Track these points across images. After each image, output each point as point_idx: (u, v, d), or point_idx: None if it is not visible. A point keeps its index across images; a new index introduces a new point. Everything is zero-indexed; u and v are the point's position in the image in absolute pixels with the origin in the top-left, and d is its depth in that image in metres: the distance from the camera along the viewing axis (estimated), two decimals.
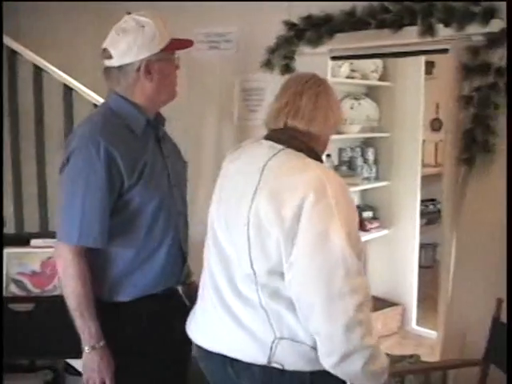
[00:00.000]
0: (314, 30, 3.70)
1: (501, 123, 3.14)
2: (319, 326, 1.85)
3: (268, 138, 2.06)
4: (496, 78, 3.12)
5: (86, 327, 2.17)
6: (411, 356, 3.31)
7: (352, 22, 3.58)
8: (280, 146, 1.99)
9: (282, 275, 1.89)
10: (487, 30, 3.12)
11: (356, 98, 5.15)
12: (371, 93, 5.34)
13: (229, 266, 2.03)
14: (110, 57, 2.19)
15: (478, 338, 3.06)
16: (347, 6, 3.57)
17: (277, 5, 3.85)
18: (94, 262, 2.21)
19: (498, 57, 3.11)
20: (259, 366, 1.95)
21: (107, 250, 2.22)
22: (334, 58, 3.95)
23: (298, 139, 2.01)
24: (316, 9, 3.68)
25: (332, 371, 1.88)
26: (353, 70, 4.93)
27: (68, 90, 3.44)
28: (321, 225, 1.82)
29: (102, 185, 2.12)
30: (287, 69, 3.84)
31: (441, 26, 3.24)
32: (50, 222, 3.68)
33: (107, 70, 2.24)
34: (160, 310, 2.34)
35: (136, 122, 2.25)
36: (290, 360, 1.93)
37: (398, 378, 3.00)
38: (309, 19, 3.72)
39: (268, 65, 3.87)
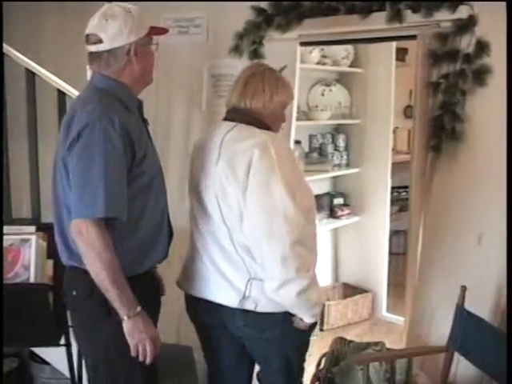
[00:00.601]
0: (283, 15, 3.67)
1: (468, 110, 3.14)
2: (263, 257, 2.29)
3: (224, 119, 2.50)
4: (463, 64, 3.13)
5: (124, 297, 2.17)
6: (376, 343, 3.30)
7: (321, 8, 3.56)
8: (233, 123, 2.44)
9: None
10: (455, 16, 3.11)
11: (327, 85, 5.13)
12: (342, 79, 5.31)
13: (212, 227, 2.45)
14: (99, 41, 2.26)
15: (444, 325, 3.07)
16: None
17: None
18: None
19: (466, 43, 3.12)
20: (238, 309, 2.40)
21: (121, 224, 2.23)
22: (303, 44, 3.92)
23: (247, 115, 2.43)
24: None
25: (272, 297, 2.32)
26: (324, 56, 4.89)
27: (31, 75, 3.37)
28: (263, 176, 2.27)
29: (120, 157, 2.18)
30: (256, 54, 3.81)
31: (409, 12, 3.23)
32: (13, 209, 3.62)
33: (95, 54, 2.30)
34: (154, 284, 2.53)
35: (130, 100, 2.35)
36: (262, 301, 2.37)
37: (363, 366, 3.01)
38: (278, 5, 3.69)
39: (237, 50, 3.84)
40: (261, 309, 2.38)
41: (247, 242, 2.34)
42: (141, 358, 2.23)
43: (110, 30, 2.25)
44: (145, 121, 2.45)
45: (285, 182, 2.26)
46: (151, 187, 2.36)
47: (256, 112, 2.44)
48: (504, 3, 2.93)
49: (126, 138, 2.20)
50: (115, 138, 2.16)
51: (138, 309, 2.21)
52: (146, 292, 2.33)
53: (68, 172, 2.22)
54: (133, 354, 2.22)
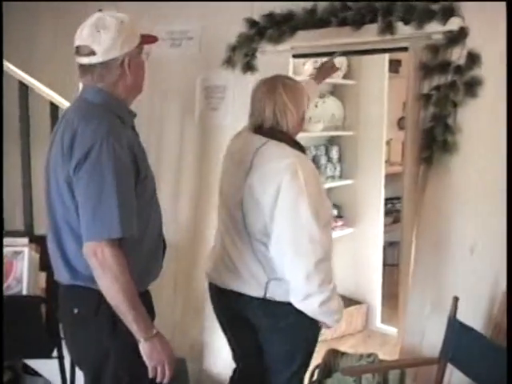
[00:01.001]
0: (276, 27, 3.68)
1: (459, 122, 3.15)
2: (288, 273, 2.55)
3: (257, 132, 2.71)
4: (455, 76, 3.12)
5: (140, 318, 2.15)
6: (369, 355, 3.31)
7: (313, 20, 3.57)
8: (265, 139, 2.65)
9: (268, 235, 2.58)
10: (446, 28, 3.12)
11: (320, 97, 5.14)
12: (336, 91, 5.34)
13: (237, 230, 2.70)
14: (91, 53, 2.21)
15: (437, 336, 3.07)
16: (309, 3, 3.56)
17: (239, 3, 3.83)
18: None
19: (457, 55, 3.12)
20: (259, 299, 2.68)
21: (126, 242, 2.18)
22: (295, 56, 3.94)
23: (279, 134, 2.66)
24: (278, 6, 3.67)
25: (297, 306, 2.58)
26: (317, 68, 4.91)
27: (24, 88, 3.38)
28: (292, 199, 2.49)
29: (129, 175, 2.17)
30: (249, 67, 3.82)
31: (401, 24, 3.24)
32: (6, 220, 3.61)
33: (87, 66, 2.25)
34: (151, 300, 2.47)
35: (125, 113, 2.33)
36: (279, 294, 2.63)
37: (356, 377, 3.00)
38: (270, 17, 3.70)
39: (229, 63, 3.85)
40: (278, 299, 2.66)
41: (266, 252, 2.62)
42: (158, 380, 2.21)
43: (104, 42, 2.20)
44: (136, 134, 2.43)
45: (311, 204, 2.49)
46: (151, 203, 2.37)
47: (287, 131, 2.69)
48: (495, 15, 2.95)
49: (132, 156, 2.19)
50: (123, 156, 2.14)
51: (155, 330, 2.19)
52: (147, 309, 2.27)
53: (72, 191, 2.18)
54: (151, 375, 2.20)
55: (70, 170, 2.16)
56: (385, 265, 5.33)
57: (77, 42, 2.26)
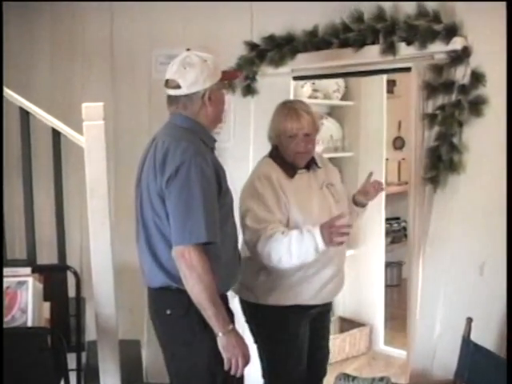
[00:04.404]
0: (276, 50, 3.68)
1: (465, 141, 3.14)
2: None
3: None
4: (459, 95, 3.12)
5: (219, 314, 2.43)
6: (381, 378, 3.27)
7: (314, 42, 3.57)
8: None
9: None
10: (449, 47, 3.12)
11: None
12: (334, 112, 5.33)
13: None
14: (177, 87, 2.56)
15: (448, 357, 3.04)
16: (309, 25, 3.56)
17: (239, 25, 3.83)
18: None
19: (461, 74, 3.12)
20: None
21: (209, 249, 2.45)
22: (296, 78, 3.93)
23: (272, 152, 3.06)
24: (278, 28, 3.67)
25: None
26: (315, 90, 4.91)
27: (25, 114, 3.33)
28: (246, 203, 2.90)
29: (213, 190, 2.48)
30: (249, 90, 3.82)
31: (403, 44, 3.24)
32: (8, 250, 3.55)
33: (173, 97, 2.61)
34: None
35: (209, 139, 2.66)
36: None
37: None
38: (271, 39, 3.70)
39: (230, 86, 3.84)
40: None
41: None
42: (233, 371, 2.47)
43: (188, 78, 2.54)
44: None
45: (259, 205, 2.85)
46: (228, 217, 2.65)
47: (277, 147, 3.02)
48: (499, 33, 2.95)
49: (216, 173, 2.51)
50: (209, 173, 2.46)
51: (231, 326, 2.47)
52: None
53: (164, 202, 2.48)
54: (226, 367, 2.46)
55: (163, 184, 2.46)
56: (385, 286, 5.29)
57: (167, 76, 2.61)
